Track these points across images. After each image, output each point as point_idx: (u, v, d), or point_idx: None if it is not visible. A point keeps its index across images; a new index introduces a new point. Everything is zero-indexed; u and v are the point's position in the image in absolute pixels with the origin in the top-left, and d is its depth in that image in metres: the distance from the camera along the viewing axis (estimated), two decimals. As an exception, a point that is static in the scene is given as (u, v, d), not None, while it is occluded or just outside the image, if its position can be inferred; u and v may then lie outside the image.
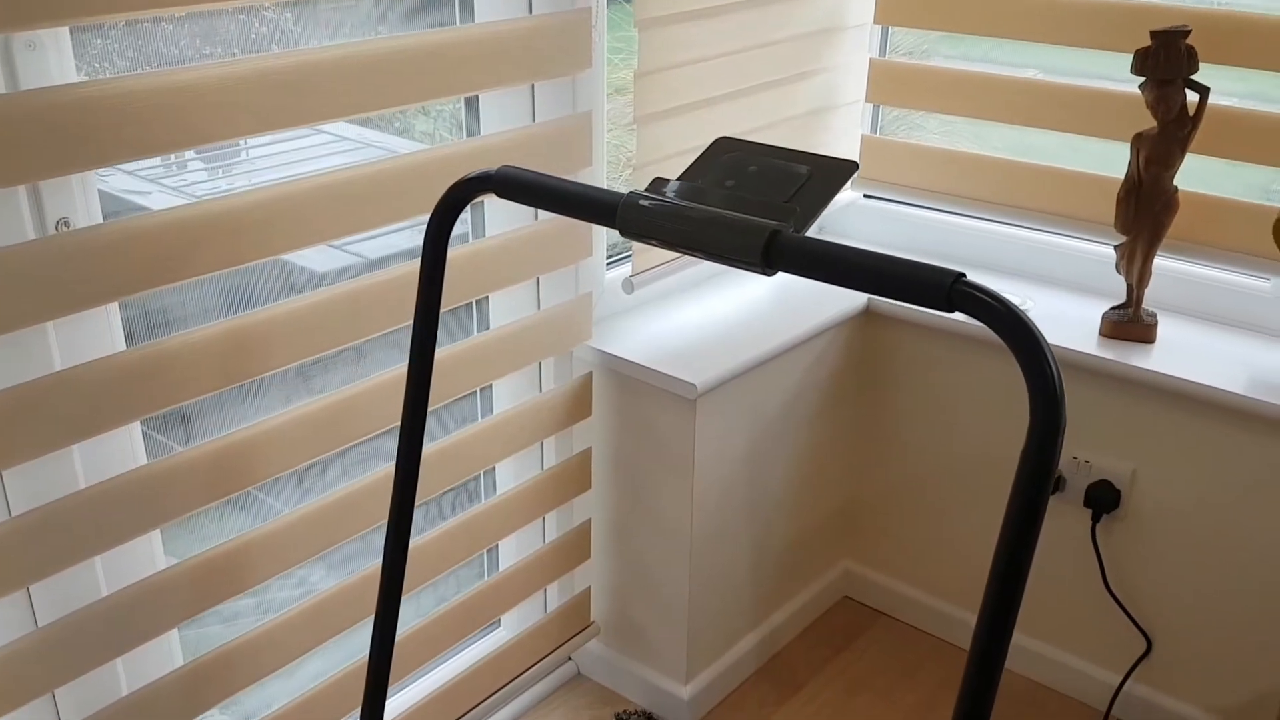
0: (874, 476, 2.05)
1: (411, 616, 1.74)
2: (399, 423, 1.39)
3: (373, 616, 1.37)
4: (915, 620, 2.07)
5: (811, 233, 2.26)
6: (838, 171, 1.00)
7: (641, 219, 0.99)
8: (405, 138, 1.60)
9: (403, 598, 1.54)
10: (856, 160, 0.98)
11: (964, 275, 0.85)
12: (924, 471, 1.98)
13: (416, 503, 1.51)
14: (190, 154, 1.35)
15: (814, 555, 2.04)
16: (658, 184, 1.04)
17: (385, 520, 1.46)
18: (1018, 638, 1.95)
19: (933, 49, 2.19)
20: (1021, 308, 1.75)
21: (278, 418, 1.31)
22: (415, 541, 1.54)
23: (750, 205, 0.98)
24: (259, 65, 1.16)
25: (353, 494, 1.42)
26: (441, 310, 1.48)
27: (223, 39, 1.28)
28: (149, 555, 1.29)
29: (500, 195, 1.09)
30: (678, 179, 1.04)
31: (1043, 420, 0.82)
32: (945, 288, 0.84)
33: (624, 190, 1.03)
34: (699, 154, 1.07)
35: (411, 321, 1.29)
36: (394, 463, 1.26)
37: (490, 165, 1.42)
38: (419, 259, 1.18)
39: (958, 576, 2.00)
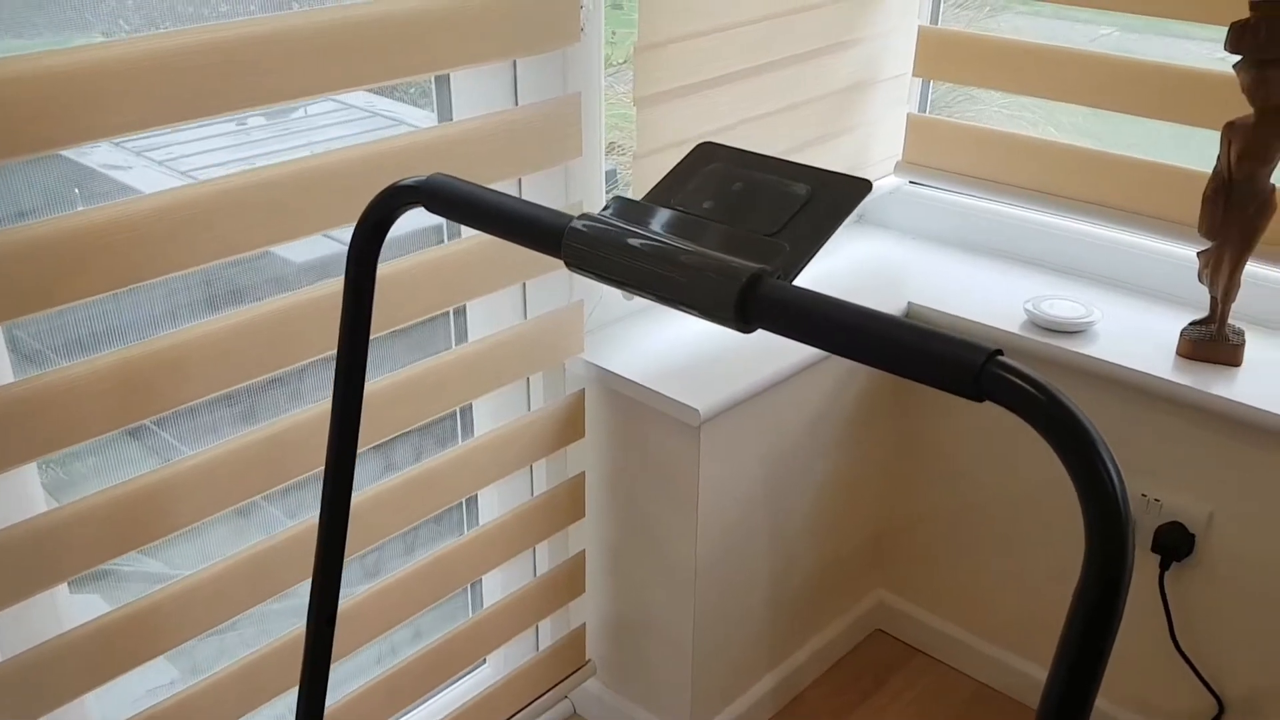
0: (910, 501, 1.83)
1: (388, 657, 1.56)
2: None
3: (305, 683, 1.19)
4: (953, 660, 1.86)
5: (851, 219, 2.03)
6: (845, 194, 0.77)
7: (590, 251, 0.78)
8: (425, 108, 1.41)
9: (375, 639, 1.37)
10: (868, 179, 0.75)
11: (999, 353, 0.63)
12: (966, 497, 1.75)
13: (390, 534, 1.33)
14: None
15: (842, 586, 1.83)
16: (620, 206, 0.82)
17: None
18: (1069, 688, 1.73)
19: (996, 9, 1.93)
20: (1088, 320, 1.52)
21: (199, 455, 1.12)
22: (386, 579, 1.36)
23: (729, 238, 0.77)
24: (158, 45, 0.96)
25: (290, 541, 1.24)
26: (418, 320, 1.29)
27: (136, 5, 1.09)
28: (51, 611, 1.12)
29: (430, 210, 0.89)
30: (644, 197, 0.83)
31: (1102, 551, 0.61)
32: (975, 369, 0.62)
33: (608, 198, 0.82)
34: (675, 164, 0.86)
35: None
36: (318, 513, 1.07)
37: (455, 159, 1.22)
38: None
39: (1002, 615, 1.78)
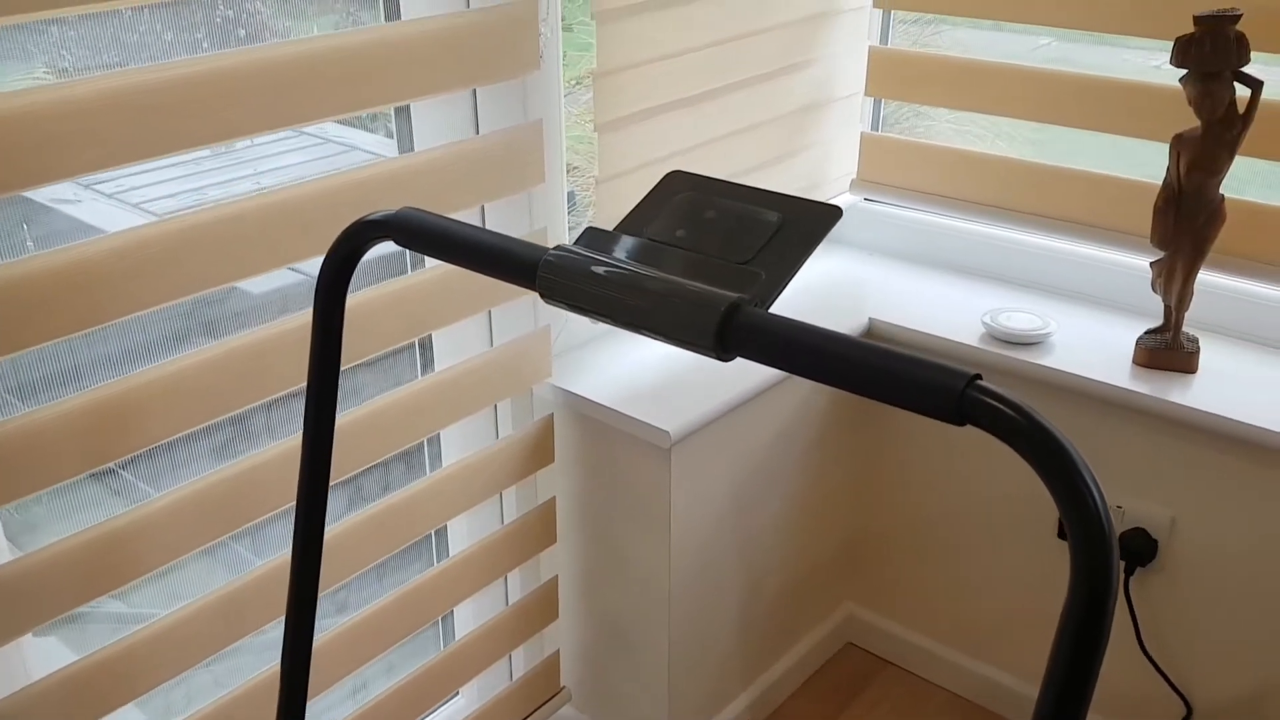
0: (878, 512, 1.84)
1: (360, 693, 1.55)
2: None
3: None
4: (925, 671, 1.87)
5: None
6: (816, 221, 0.78)
7: (566, 284, 0.78)
8: (377, 132, 1.40)
9: (347, 676, 1.36)
10: (839, 206, 0.76)
11: (979, 377, 0.64)
12: (931, 508, 1.77)
13: (359, 569, 1.32)
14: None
15: (813, 600, 1.84)
16: (592, 237, 0.82)
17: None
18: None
19: (940, 23, 1.96)
20: (1045, 331, 1.53)
21: (167, 496, 1.11)
22: (358, 615, 1.34)
23: (704, 267, 0.77)
24: (115, 84, 0.95)
25: (262, 579, 1.22)
26: (381, 352, 1.28)
27: (86, 44, 1.07)
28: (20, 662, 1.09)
29: (400, 244, 0.89)
30: (616, 227, 0.83)
31: (1088, 571, 0.62)
32: (956, 394, 0.63)
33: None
34: (646, 194, 0.86)
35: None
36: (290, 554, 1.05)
37: (418, 188, 1.22)
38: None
39: (970, 624, 1.80)
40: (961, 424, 0.64)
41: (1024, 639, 1.74)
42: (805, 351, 0.69)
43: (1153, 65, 1.84)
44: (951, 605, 1.81)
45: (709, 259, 0.78)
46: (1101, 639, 0.63)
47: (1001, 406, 0.62)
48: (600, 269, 0.77)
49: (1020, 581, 1.71)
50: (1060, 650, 0.64)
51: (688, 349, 0.73)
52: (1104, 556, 0.62)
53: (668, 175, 0.86)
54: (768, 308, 0.74)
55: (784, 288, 0.75)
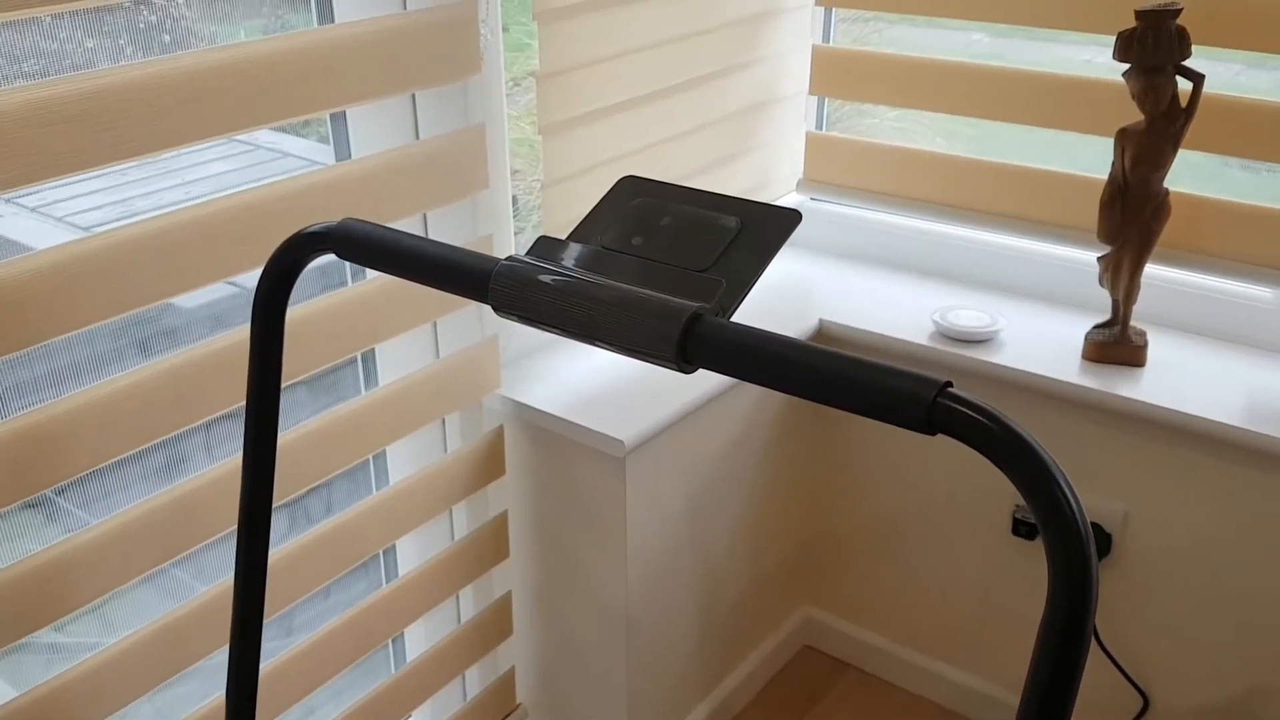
0: (834, 514, 1.83)
1: None
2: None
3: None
4: (883, 672, 1.86)
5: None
6: (776, 226, 0.76)
7: (520, 295, 0.75)
8: (310, 138, 1.35)
9: (295, 704, 1.31)
10: (799, 210, 0.73)
11: (950, 384, 0.62)
12: (885, 508, 1.76)
13: (305, 593, 1.27)
14: None
15: (769, 604, 1.82)
16: (545, 246, 0.79)
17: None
18: (1001, 695, 1.75)
19: (880, 28, 1.96)
20: (994, 329, 1.52)
21: (103, 525, 1.05)
22: (304, 640, 1.29)
23: (662, 275, 0.74)
24: (40, 95, 0.90)
25: (204, 607, 1.17)
26: (322, 368, 1.23)
27: None
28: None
29: (342, 257, 0.85)
30: (570, 236, 0.80)
31: (1067, 577, 0.60)
32: (927, 404, 0.61)
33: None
34: (599, 200, 0.83)
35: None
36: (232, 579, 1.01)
37: (358, 197, 1.18)
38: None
39: (928, 623, 1.79)
40: (933, 434, 0.62)
41: (982, 637, 1.74)
42: (770, 362, 0.66)
43: (1084, 60, 1.85)
44: (909, 605, 1.80)
45: (667, 267, 0.75)
46: (1083, 648, 0.62)
47: (975, 415, 0.60)
48: (554, 279, 0.74)
49: (977, 579, 1.71)
50: (1040, 661, 0.62)
51: (648, 361, 0.71)
52: (1082, 565, 0.60)
53: (621, 180, 0.83)
54: (729, 316, 0.71)
55: (745, 295, 0.73)
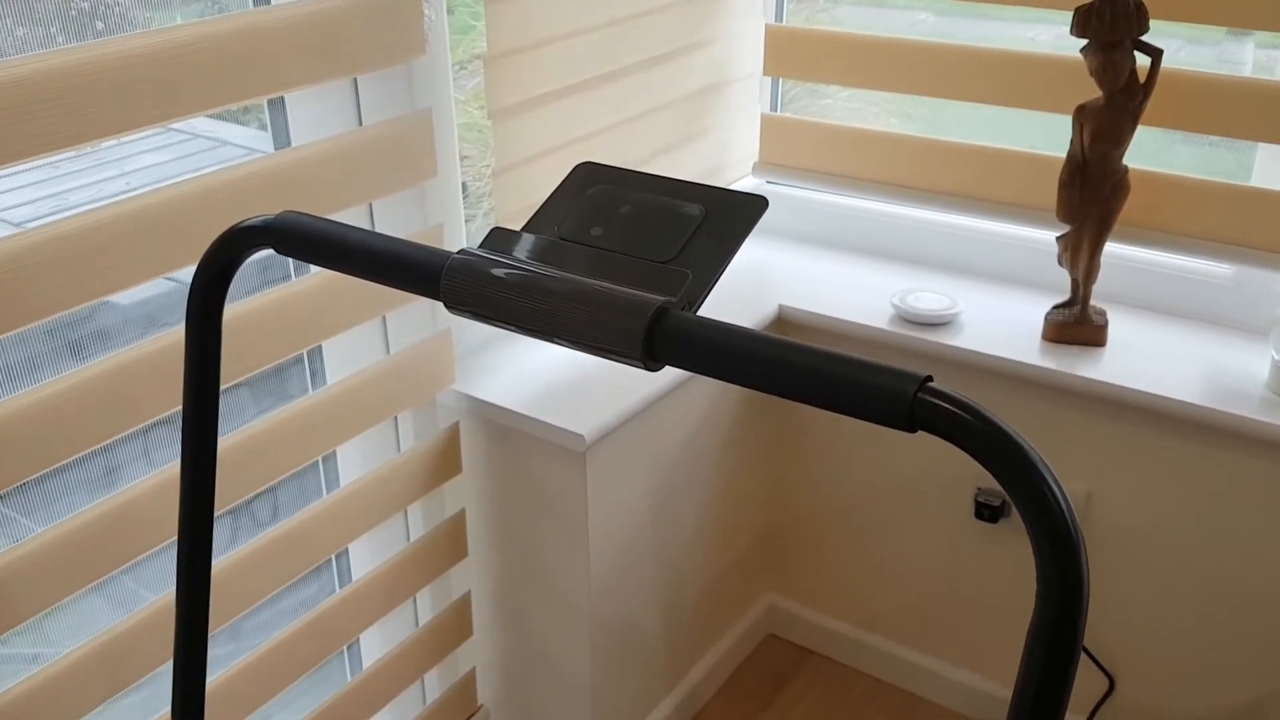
0: (794, 502, 1.81)
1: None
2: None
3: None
4: (847, 658, 1.85)
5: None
6: (742, 213, 0.72)
7: (474, 291, 0.71)
8: (249, 125, 1.29)
9: (246, 718, 1.26)
10: (765, 196, 0.70)
11: (929, 379, 0.59)
12: (846, 494, 1.74)
13: (254, 603, 1.22)
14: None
15: (733, 594, 1.80)
16: (499, 238, 0.75)
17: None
18: (963, 677, 1.74)
19: (826, 7, 1.93)
20: (953, 311, 1.50)
21: (39, 538, 1.00)
22: (254, 652, 1.24)
23: (624, 268, 0.70)
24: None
25: (147, 620, 1.12)
26: (267, 367, 1.18)
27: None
28: None
29: (281, 252, 0.80)
30: (525, 226, 0.76)
31: (1056, 570, 0.57)
32: (907, 400, 0.58)
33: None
34: (555, 187, 0.79)
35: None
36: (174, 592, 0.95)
37: (299, 187, 1.13)
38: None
39: (890, 607, 1.78)
40: (913, 431, 0.59)
41: (944, 621, 1.73)
42: (742, 359, 0.63)
43: (1028, 37, 1.84)
44: (872, 591, 1.79)
45: (629, 259, 0.71)
46: (1075, 646, 0.59)
47: (958, 412, 0.57)
48: (510, 274, 0.70)
49: (939, 563, 1.69)
50: (1032, 659, 0.60)
51: (613, 359, 0.67)
52: (1072, 560, 0.58)
53: (577, 167, 0.79)
54: (696, 310, 0.68)
55: (713, 287, 0.69)
